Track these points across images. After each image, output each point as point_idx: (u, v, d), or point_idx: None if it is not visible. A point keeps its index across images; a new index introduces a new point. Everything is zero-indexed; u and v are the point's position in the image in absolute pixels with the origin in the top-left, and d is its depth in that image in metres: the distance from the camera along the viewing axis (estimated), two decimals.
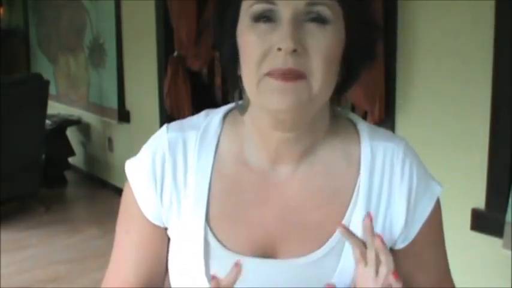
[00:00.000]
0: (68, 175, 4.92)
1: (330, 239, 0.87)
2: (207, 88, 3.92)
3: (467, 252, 2.26)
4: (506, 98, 2.09)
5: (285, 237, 0.88)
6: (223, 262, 0.86)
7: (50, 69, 5.32)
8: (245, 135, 0.90)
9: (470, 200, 2.24)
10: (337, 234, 0.87)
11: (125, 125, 4.37)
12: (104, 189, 4.68)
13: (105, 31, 4.37)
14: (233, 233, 0.88)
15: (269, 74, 0.78)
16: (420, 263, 0.94)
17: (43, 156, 4.37)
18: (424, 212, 0.90)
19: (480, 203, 2.21)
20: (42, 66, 5.43)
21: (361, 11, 0.85)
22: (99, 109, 4.60)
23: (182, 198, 0.89)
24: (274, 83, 0.78)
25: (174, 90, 3.55)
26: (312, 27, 0.79)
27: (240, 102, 0.90)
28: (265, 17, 0.79)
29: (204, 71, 3.87)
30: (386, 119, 2.50)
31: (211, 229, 0.88)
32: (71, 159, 4.93)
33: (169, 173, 0.89)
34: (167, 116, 3.70)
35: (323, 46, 0.79)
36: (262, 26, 0.79)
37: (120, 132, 4.50)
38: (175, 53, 3.52)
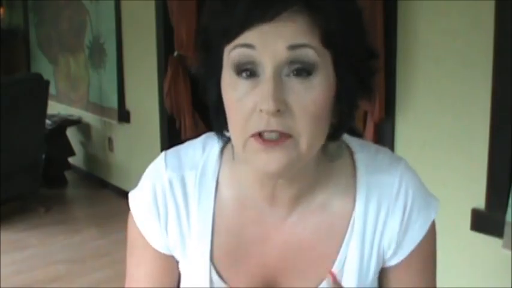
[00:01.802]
0: (68, 175, 4.91)
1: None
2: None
3: (467, 252, 2.26)
4: (506, 98, 2.09)
5: (285, 275, 0.90)
6: None
7: (50, 69, 5.32)
8: (242, 176, 0.89)
9: (470, 200, 2.24)
10: (335, 268, 0.88)
11: (125, 125, 4.37)
12: (104, 189, 4.68)
13: (105, 31, 4.37)
14: (236, 272, 0.90)
15: (254, 136, 0.75)
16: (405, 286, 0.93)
17: (43, 156, 4.37)
18: (418, 234, 0.89)
19: (480, 203, 2.21)
20: (42, 66, 5.43)
21: (353, 48, 0.78)
22: (99, 109, 4.60)
23: (186, 237, 0.91)
24: (260, 147, 0.75)
25: (174, 90, 3.55)
26: (296, 84, 0.74)
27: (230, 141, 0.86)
28: (247, 70, 0.75)
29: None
30: (386, 119, 2.50)
31: (215, 268, 0.90)
32: (71, 159, 4.93)
33: (172, 213, 0.90)
34: (167, 116, 3.70)
35: (309, 104, 0.74)
36: (244, 84, 0.75)
37: (120, 132, 4.50)
38: (175, 53, 3.52)
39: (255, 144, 0.76)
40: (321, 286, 0.89)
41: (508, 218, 2.06)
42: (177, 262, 0.95)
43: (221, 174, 0.90)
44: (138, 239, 0.94)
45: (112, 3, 4.22)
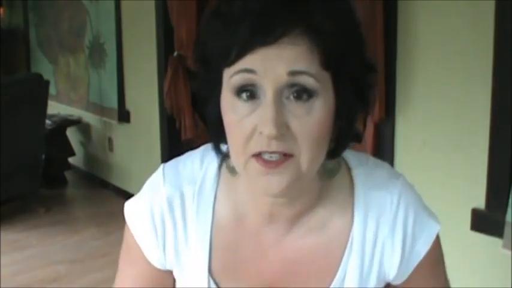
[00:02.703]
0: (68, 175, 4.91)
1: None
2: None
3: (467, 252, 2.26)
4: (506, 98, 2.09)
5: None
6: None
7: (50, 69, 5.32)
8: (240, 193, 0.89)
9: (470, 200, 2.24)
10: (334, 284, 0.88)
11: (125, 125, 4.37)
12: (104, 189, 4.68)
13: (105, 31, 4.37)
14: (235, 284, 0.90)
15: (255, 156, 0.75)
16: None
17: (43, 156, 4.37)
18: (419, 254, 0.89)
19: (480, 203, 2.21)
20: (42, 66, 5.43)
21: (353, 67, 0.78)
22: (99, 109, 4.60)
23: (183, 252, 0.91)
24: (261, 168, 0.75)
25: (174, 90, 3.55)
26: (296, 107, 0.74)
27: (230, 160, 0.85)
28: (247, 91, 0.75)
29: None
30: (386, 119, 2.50)
31: (214, 281, 0.90)
32: (71, 159, 4.93)
33: (170, 230, 0.90)
34: (167, 116, 3.70)
35: (310, 127, 0.75)
36: (244, 106, 0.75)
37: (120, 132, 4.50)
38: (175, 53, 3.52)
39: (256, 165, 0.76)
40: None
41: (508, 218, 2.06)
42: (171, 278, 0.95)
43: (219, 190, 0.90)
44: (133, 251, 0.94)
45: (112, 3, 4.22)
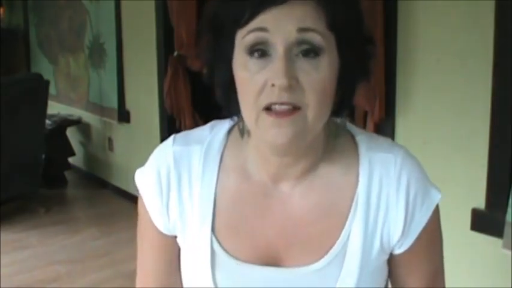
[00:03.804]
0: (68, 175, 4.91)
1: (331, 250, 0.90)
2: (207, 88, 3.91)
3: (467, 252, 2.26)
4: (506, 98, 2.09)
5: (287, 248, 0.91)
6: (228, 270, 0.91)
7: (50, 69, 5.32)
8: (247, 153, 0.93)
9: (470, 200, 2.24)
10: (338, 245, 0.89)
11: (125, 125, 4.37)
12: (104, 189, 4.68)
13: (105, 31, 4.37)
14: (238, 243, 0.92)
15: (266, 109, 0.80)
16: (413, 270, 0.95)
17: (43, 156, 4.37)
18: (421, 221, 0.91)
19: (480, 203, 2.21)
20: (42, 66, 5.43)
21: (354, 32, 0.85)
22: (99, 109, 4.60)
23: (188, 210, 0.93)
24: (271, 119, 0.80)
25: (174, 90, 3.55)
26: (305, 63, 0.80)
27: (239, 121, 0.92)
28: (258, 50, 0.81)
29: (204, 71, 3.87)
30: (386, 119, 2.50)
31: (217, 239, 0.92)
32: (71, 159, 4.93)
33: (174, 186, 0.93)
34: (167, 116, 3.70)
35: (317, 81, 0.80)
36: (256, 63, 0.81)
37: (120, 132, 4.50)
38: (175, 53, 3.52)
39: (266, 118, 0.80)
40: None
41: (508, 218, 2.06)
42: (179, 248, 0.97)
43: (226, 150, 0.94)
44: (144, 216, 0.97)
45: (112, 3, 4.22)
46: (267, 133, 0.82)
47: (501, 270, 2.15)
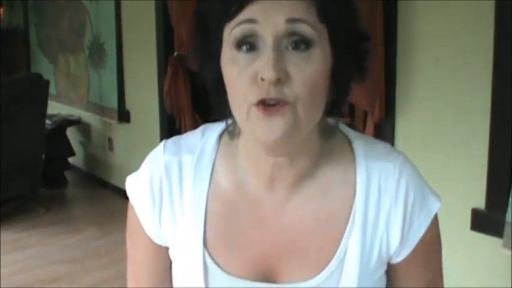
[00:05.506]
0: (68, 175, 4.91)
1: (329, 264, 0.87)
2: (207, 88, 3.91)
3: (467, 252, 2.26)
4: (506, 98, 2.09)
5: (283, 261, 0.87)
6: (223, 285, 0.88)
7: (50, 69, 5.32)
8: (239, 159, 0.89)
9: (470, 200, 2.24)
10: (335, 259, 0.87)
11: (125, 125, 4.37)
12: (104, 189, 4.68)
13: (105, 31, 4.37)
14: (231, 257, 0.88)
15: (256, 105, 0.77)
16: (411, 279, 0.93)
17: (43, 156, 4.37)
18: (419, 230, 0.89)
19: (480, 203, 2.21)
20: (42, 66, 5.43)
21: (347, 27, 0.81)
22: (99, 109, 4.60)
23: (179, 222, 0.90)
24: (261, 115, 0.77)
25: (174, 90, 3.55)
26: (295, 56, 0.77)
27: (230, 124, 0.89)
28: (247, 43, 0.78)
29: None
30: (386, 119, 2.50)
31: (209, 253, 0.89)
32: (71, 159, 4.93)
33: (166, 198, 0.90)
34: (167, 116, 3.71)
35: (308, 75, 0.77)
36: (244, 57, 0.78)
37: (120, 132, 4.50)
38: (175, 53, 3.52)
39: (256, 113, 0.77)
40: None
41: (508, 218, 2.06)
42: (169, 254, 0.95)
43: (218, 158, 0.90)
44: (135, 224, 0.94)
45: (112, 3, 4.23)
46: (258, 130, 0.78)
47: (501, 270, 2.15)
